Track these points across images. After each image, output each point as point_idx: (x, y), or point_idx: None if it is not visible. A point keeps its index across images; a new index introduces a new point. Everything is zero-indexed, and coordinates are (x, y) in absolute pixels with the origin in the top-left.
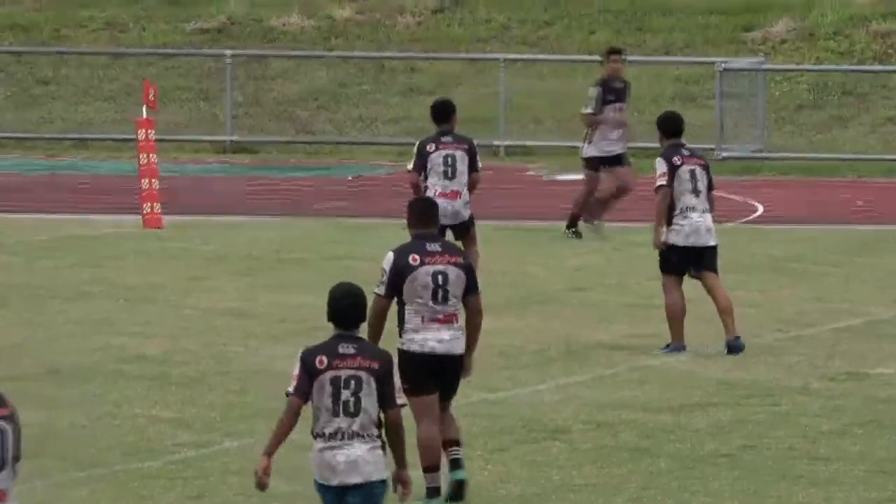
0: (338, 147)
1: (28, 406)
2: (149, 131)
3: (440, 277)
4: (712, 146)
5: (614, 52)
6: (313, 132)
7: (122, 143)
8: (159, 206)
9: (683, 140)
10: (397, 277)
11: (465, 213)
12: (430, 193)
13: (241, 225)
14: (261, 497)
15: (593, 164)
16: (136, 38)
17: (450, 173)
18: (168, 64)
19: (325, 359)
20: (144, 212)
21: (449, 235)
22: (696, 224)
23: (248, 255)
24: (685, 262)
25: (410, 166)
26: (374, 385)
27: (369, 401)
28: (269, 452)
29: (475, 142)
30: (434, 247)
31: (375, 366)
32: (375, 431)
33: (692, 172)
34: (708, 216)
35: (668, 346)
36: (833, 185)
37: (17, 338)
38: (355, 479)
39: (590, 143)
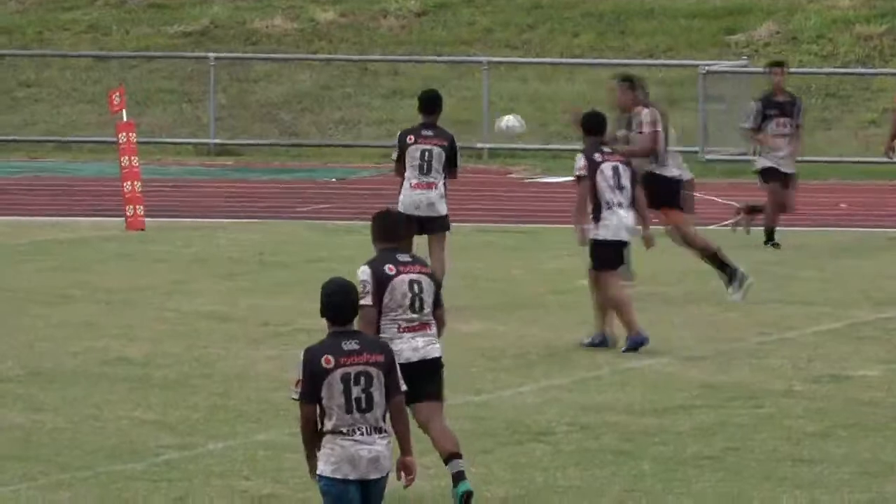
0: (321, 150)
1: (11, 409)
2: (130, 134)
3: (416, 286)
4: (696, 149)
5: (774, 64)
6: (297, 135)
7: (105, 145)
8: (142, 209)
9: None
10: (379, 287)
11: (441, 208)
12: (405, 185)
13: (224, 228)
14: (244, 499)
15: (767, 175)
16: (119, 40)
17: (425, 168)
18: (151, 66)
19: (331, 358)
20: (127, 214)
21: (421, 244)
22: (622, 219)
23: (230, 258)
24: (615, 255)
25: (394, 156)
26: (382, 379)
27: (379, 395)
28: (310, 457)
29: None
30: (405, 258)
31: (381, 359)
32: (386, 425)
33: (615, 169)
34: (631, 213)
35: (627, 341)
36: (816, 188)
37: (0, 341)
38: (375, 475)
39: (760, 154)
